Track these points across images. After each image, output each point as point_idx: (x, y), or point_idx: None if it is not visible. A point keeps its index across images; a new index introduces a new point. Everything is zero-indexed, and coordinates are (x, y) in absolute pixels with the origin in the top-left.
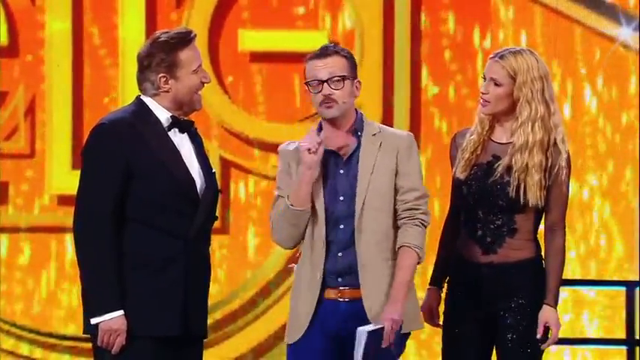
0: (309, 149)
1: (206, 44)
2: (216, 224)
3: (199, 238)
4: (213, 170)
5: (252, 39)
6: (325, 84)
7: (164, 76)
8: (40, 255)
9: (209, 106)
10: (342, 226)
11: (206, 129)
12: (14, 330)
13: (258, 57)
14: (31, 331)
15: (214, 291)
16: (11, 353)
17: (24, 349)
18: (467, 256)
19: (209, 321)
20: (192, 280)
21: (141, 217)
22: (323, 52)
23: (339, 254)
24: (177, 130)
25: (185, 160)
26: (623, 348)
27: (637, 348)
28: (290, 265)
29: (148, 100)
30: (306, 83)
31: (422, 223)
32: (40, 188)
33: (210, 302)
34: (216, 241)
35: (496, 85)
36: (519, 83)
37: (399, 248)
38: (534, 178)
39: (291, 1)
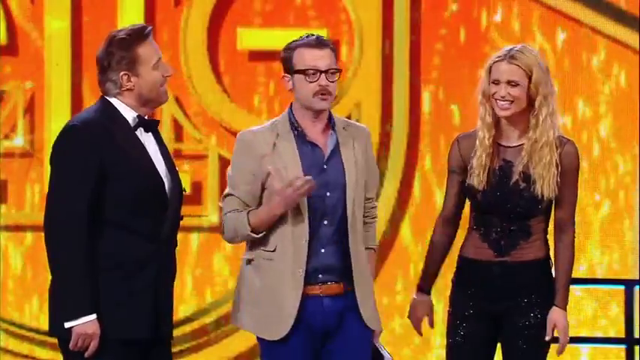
0: (301, 190)
1: (205, 43)
2: (215, 223)
3: (169, 240)
4: (177, 169)
5: (251, 37)
6: (323, 74)
7: (126, 74)
8: (38, 254)
9: (208, 105)
10: (325, 222)
11: (205, 128)
12: (13, 328)
13: (257, 55)
14: (29, 329)
15: (213, 290)
16: (10, 352)
17: (23, 347)
18: (477, 257)
19: (208, 320)
20: (162, 281)
21: (113, 219)
22: (321, 43)
23: (322, 250)
24: (142, 129)
25: (153, 160)
26: (622, 347)
27: (636, 347)
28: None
29: (112, 100)
30: (299, 71)
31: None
32: (38, 187)
33: (208, 301)
34: (214, 240)
35: (514, 86)
36: (536, 80)
37: (365, 248)
38: (550, 171)
39: None
